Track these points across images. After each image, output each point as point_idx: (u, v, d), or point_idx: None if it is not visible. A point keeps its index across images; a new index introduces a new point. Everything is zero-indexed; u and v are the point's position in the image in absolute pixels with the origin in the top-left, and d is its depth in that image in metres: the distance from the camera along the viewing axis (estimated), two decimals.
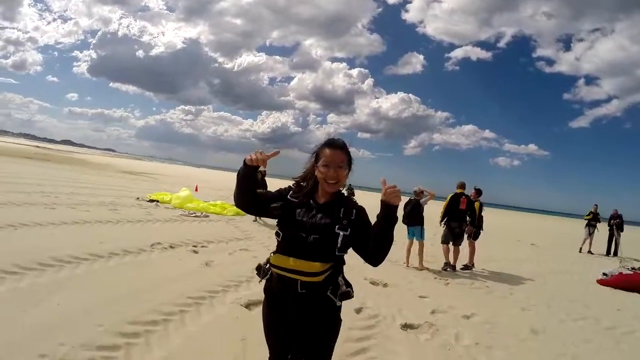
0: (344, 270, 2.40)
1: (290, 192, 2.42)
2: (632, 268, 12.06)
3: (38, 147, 79.35)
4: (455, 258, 9.78)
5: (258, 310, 4.90)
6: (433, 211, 10.29)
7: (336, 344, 2.39)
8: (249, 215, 12.76)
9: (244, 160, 2.30)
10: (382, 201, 2.17)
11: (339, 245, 2.23)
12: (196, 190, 20.61)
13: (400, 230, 9.14)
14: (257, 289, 5.73)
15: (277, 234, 2.34)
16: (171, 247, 7.71)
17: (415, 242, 9.66)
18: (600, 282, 10.35)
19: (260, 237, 10.31)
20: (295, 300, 2.25)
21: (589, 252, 17.41)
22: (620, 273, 10.61)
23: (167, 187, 20.89)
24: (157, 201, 14.43)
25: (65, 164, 34.22)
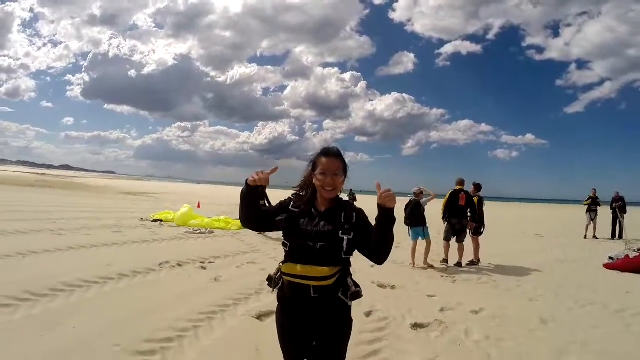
0: (351, 273, 2.48)
1: (292, 202, 2.50)
2: (638, 249, 12.08)
3: (38, 174, 79.19)
4: (461, 255, 9.86)
5: (269, 321, 5.02)
6: (435, 210, 10.35)
7: (348, 347, 2.48)
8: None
9: (246, 181, 2.38)
10: (378, 205, 2.26)
11: (344, 249, 2.32)
12: (198, 206, 20.67)
13: (403, 232, 9.29)
14: (267, 301, 5.83)
15: (284, 244, 2.40)
16: (179, 265, 7.76)
17: (421, 242, 9.74)
18: (607, 266, 10.40)
19: (266, 250, 10.35)
20: (308, 304, 2.34)
21: (594, 237, 17.43)
22: (627, 256, 10.62)
23: (169, 205, 20.96)
24: (161, 220, 14.48)
25: (67, 189, 34.29)
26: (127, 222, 13.74)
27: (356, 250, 2.39)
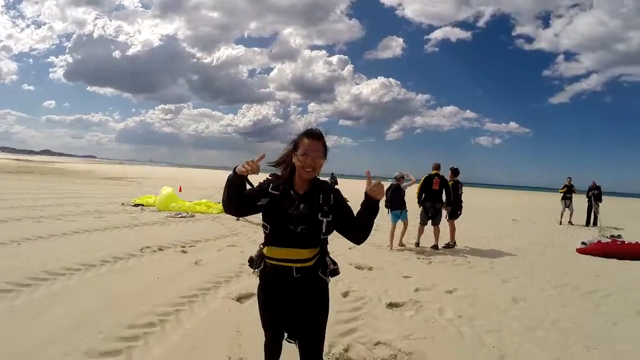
0: (328, 251, 2.60)
1: (271, 184, 2.52)
2: (611, 236, 12.52)
3: (19, 160, 77.98)
4: (436, 237, 10.08)
5: (249, 303, 5.15)
6: (411, 194, 10.53)
7: (326, 326, 2.59)
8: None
9: (235, 170, 2.39)
10: (366, 194, 2.37)
11: (323, 231, 2.41)
12: (180, 190, 20.63)
13: (382, 214, 9.44)
14: (247, 283, 5.95)
15: (264, 226, 2.48)
16: (160, 249, 7.82)
17: (400, 224, 10.00)
18: (580, 250, 10.69)
19: (247, 233, 10.46)
20: (290, 284, 2.44)
21: (570, 223, 17.87)
22: (599, 241, 10.97)
23: (151, 190, 20.84)
24: (142, 205, 14.48)
25: (47, 175, 33.85)
26: (109, 207, 13.72)
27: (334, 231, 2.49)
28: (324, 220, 2.41)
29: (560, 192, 18.54)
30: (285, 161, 2.61)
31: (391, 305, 5.48)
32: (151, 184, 27.80)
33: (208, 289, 5.66)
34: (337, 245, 2.17)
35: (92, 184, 25.34)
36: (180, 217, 12.46)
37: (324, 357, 2.66)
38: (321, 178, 2.62)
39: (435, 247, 9.97)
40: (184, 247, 8.24)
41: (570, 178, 18.50)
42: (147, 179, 36.82)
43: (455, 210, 10.60)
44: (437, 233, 10.12)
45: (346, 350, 4.04)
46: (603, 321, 5.44)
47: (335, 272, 2.58)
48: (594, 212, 18.16)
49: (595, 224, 17.78)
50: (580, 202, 18.58)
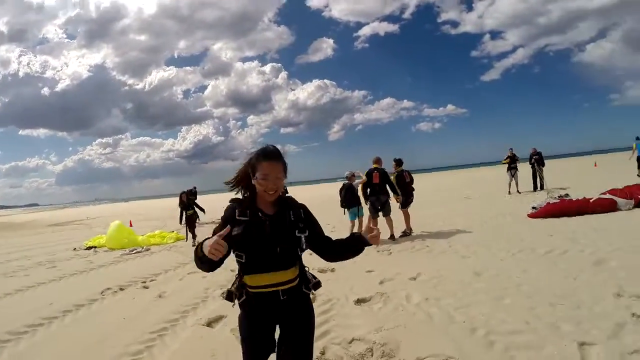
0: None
1: (235, 212, 2.38)
2: (559, 196, 13.04)
3: None
4: (390, 228, 10.28)
5: (219, 326, 5.15)
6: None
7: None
8: (188, 240, 12.85)
9: (202, 250, 2.18)
10: (363, 237, 2.40)
11: (303, 247, 2.38)
12: (130, 225, 20.27)
13: (339, 217, 9.60)
14: (213, 307, 5.94)
15: (238, 256, 2.35)
16: (121, 289, 7.64)
17: (358, 222, 10.33)
18: (531, 215, 11.15)
19: None
20: (278, 307, 2.37)
21: (518, 192, 18.52)
22: (548, 203, 11.47)
23: (101, 230, 20.31)
24: (95, 247, 14.02)
25: None
26: (61, 254, 13.22)
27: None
28: (302, 236, 2.38)
29: (504, 163, 19.16)
30: (242, 182, 2.51)
31: (359, 301, 5.56)
32: (100, 224, 27.11)
33: (176, 320, 5.58)
34: None
35: (38, 234, 24.45)
36: (135, 252, 12.18)
37: None
38: None
39: (392, 237, 10.13)
40: (144, 282, 8.08)
41: (512, 148, 19.14)
42: (95, 218, 35.88)
43: (406, 199, 10.80)
44: (390, 223, 10.30)
45: (323, 353, 4.08)
46: (563, 277, 5.72)
47: (318, 284, 2.56)
48: (539, 177, 18.95)
49: (542, 188, 18.59)
50: (524, 169, 19.26)
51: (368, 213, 10.33)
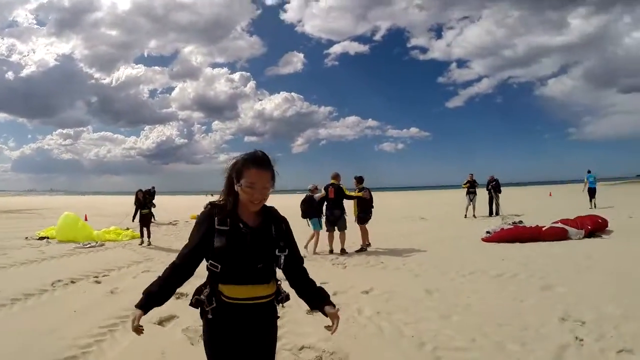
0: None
1: (214, 219, 2.19)
2: (513, 222, 13.45)
3: None
4: (342, 242, 10.57)
5: (171, 326, 5.15)
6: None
7: None
8: (144, 238, 12.65)
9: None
10: (326, 303, 2.32)
11: (281, 266, 2.26)
12: (85, 219, 19.87)
13: (300, 225, 9.69)
14: (165, 307, 5.86)
15: (213, 265, 2.18)
16: (72, 282, 7.54)
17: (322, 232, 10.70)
18: (485, 239, 11.41)
19: (159, 257, 10.33)
20: (249, 319, 2.21)
21: (474, 216, 18.89)
22: (502, 229, 11.81)
23: (55, 221, 19.90)
24: (47, 237, 13.79)
25: None
26: (12, 242, 12.92)
27: None
28: (282, 255, 2.25)
29: (464, 187, 19.59)
30: (228, 192, 2.30)
31: (311, 310, 5.61)
32: (54, 215, 26.51)
33: (127, 317, 5.48)
34: None
35: None
36: (89, 246, 11.99)
37: None
38: None
39: (343, 251, 10.40)
40: (97, 277, 7.98)
41: (472, 174, 19.61)
42: (49, 209, 35.02)
43: (365, 215, 11.02)
44: (342, 238, 10.58)
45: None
46: (512, 300, 5.92)
47: (287, 298, 2.39)
48: (495, 203, 19.53)
49: (497, 213, 19.12)
50: (482, 195, 19.80)
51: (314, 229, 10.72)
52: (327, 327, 2.33)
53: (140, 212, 13.41)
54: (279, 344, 4.48)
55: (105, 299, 6.51)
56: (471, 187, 19.25)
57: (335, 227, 10.56)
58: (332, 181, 10.61)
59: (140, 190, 14.11)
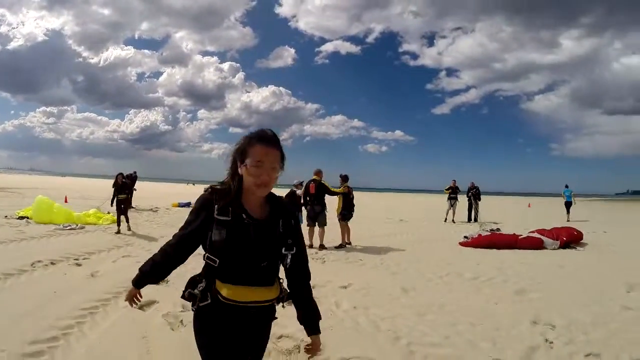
0: None
1: (214, 207, 1.95)
2: (491, 229, 13.74)
3: None
4: (320, 238, 10.71)
5: (151, 310, 5.21)
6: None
7: None
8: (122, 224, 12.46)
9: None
10: (314, 321, 2.21)
11: (287, 266, 2.07)
12: (66, 201, 19.72)
13: None
14: (145, 291, 5.83)
15: (210, 259, 1.96)
16: (52, 263, 7.53)
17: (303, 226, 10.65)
18: (462, 244, 11.63)
19: (140, 243, 10.38)
20: (247, 319, 2.01)
21: (452, 221, 19.14)
22: (480, 234, 12.05)
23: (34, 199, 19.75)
24: (27, 217, 13.60)
25: None
26: None
27: None
28: (289, 254, 2.05)
29: (446, 192, 19.85)
30: (232, 177, 2.05)
31: (290, 303, 5.71)
32: (34, 195, 26.22)
33: (108, 300, 5.59)
34: None
35: None
36: (69, 229, 11.92)
37: None
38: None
39: (322, 246, 10.54)
40: (77, 259, 7.97)
41: (454, 180, 19.86)
42: (29, 189, 34.62)
43: (348, 213, 11.26)
44: (320, 234, 10.73)
45: None
46: (485, 301, 6.11)
47: (288, 297, 2.18)
48: (475, 210, 19.85)
49: (476, 220, 19.39)
50: (463, 201, 20.11)
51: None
52: (307, 349, 2.23)
53: (117, 197, 12.94)
54: None
55: (85, 282, 6.52)
56: (453, 193, 19.57)
57: (316, 223, 10.72)
58: (314, 177, 10.79)
59: (121, 173, 13.68)
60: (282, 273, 2.16)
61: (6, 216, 13.92)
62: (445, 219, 19.43)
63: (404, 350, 4.26)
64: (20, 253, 8.33)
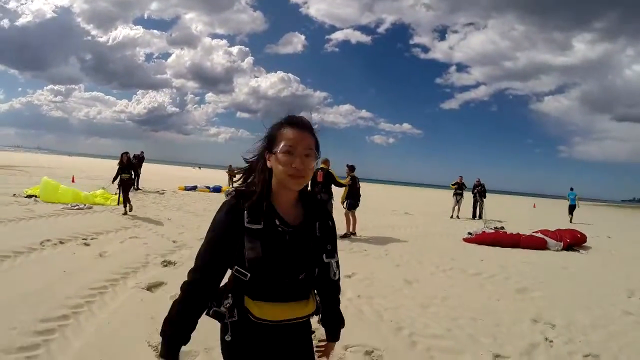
0: None
1: (242, 214, 1.58)
2: (495, 227, 13.83)
3: None
4: None
5: (159, 292, 5.31)
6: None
7: None
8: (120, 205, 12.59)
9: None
10: (337, 329, 1.99)
11: (331, 275, 1.82)
12: (73, 181, 19.89)
13: None
14: (154, 273, 6.12)
15: (239, 272, 1.61)
16: (61, 242, 7.62)
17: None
18: (466, 240, 11.69)
19: (147, 224, 10.48)
20: (282, 341, 1.72)
21: (457, 217, 19.23)
22: (484, 232, 12.10)
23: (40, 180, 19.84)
24: (36, 196, 13.69)
25: None
26: None
27: None
28: (332, 262, 1.80)
29: (452, 188, 19.96)
30: (255, 168, 1.76)
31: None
32: (41, 174, 26.28)
33: (117, 280, 5.68)
34: None
35: None
36: (77, 208, 12.06)
37: None
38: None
39: None
40: (85, 239, 8.07)
41: (461, 176, 19.93)
42: (37, 167, 34.72)
43: (354, 202, 11.39)
44: None
45: None
46: (487, 298, 6.19)
47: (320, 309, 1.86)
48: (480, 207, 19.90)
49: (480, 217, 19.48)
50: (468, 198, 20.21)
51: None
52: (319, 350, 1.99)
53: (120, 176, 12.80)
54: None
55: (94, 262, 6.62)
56: (459, 189, 19.64)
57: None
58: (322, 165, 10.77)
59: (126, 152, 13.50)
60: None
61: (14, 194, 14.01)
62: (452, 215, 19.48)
63: (406, 341, 4.34)
64: (29, 231, 8.42)
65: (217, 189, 23.98)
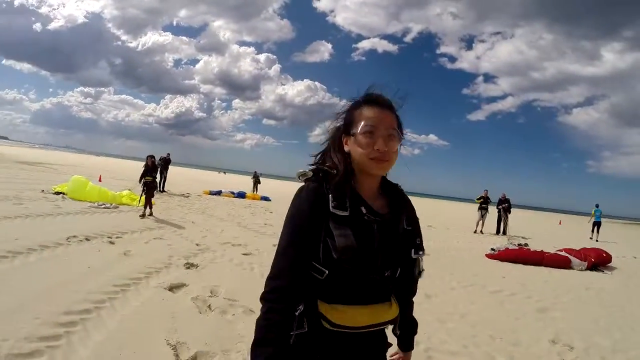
0: None
1: (327, 197, 1.39)
2: (519, 244, 13.67)
3: None
4: None
5: (181, 293, 5.39)
6: None
7: None
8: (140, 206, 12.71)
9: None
10: (411, 334, 1.82)
11: (416, 273, 1.58)
12: (100, 180, 20.19)
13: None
14: (176, 274, 6.19)
15: (315, 269, 1.38)
16: (87, 239, 7.76)
17: None
18: (489, 256, 11.53)
19: (171, 227, 10.61)
20: (361, 350, 1.46)
21: (481, 232, 18.99)
22: (507, 248, 11.96)
23: (69, 177, 20.14)
24: (64, 193, 13.98)
25: None
26: (28, 194, 13.08)
27: None
28: (419, 258, 1.56)
29: (477, 202, 19.76)
30: (330, 156, 1.57)
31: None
32: (69, 172, 26.70)
33: (139, 279, 5.78)
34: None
35: (6, 168, 24.06)
36: (104, 207, 12.27)
37: None
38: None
39: None
40: (110, 237, 8.22)
41: (487, 190, 19.78)
42: (65, 165, 35.32)
43: None
44: None
45: None
46: (506, 316, 6.11)
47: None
48: (504, 222, 19.65)
49: (504, 233, 19.27)
50: (493, 212, 19.95)
51: None
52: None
53: (144, 178, 12.80)
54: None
55: (118, 260, 6.73)
56: (484, 203, 19.43)
57: None
58: None
59: (152, 156, 13.52)
60: None
61: (42, 190, 14.27)
62: (476, 229, 19.28)
63: (422, 355, 4.32)
64: (56, 227, 8.59)
65: (241, 195, 24.04)
